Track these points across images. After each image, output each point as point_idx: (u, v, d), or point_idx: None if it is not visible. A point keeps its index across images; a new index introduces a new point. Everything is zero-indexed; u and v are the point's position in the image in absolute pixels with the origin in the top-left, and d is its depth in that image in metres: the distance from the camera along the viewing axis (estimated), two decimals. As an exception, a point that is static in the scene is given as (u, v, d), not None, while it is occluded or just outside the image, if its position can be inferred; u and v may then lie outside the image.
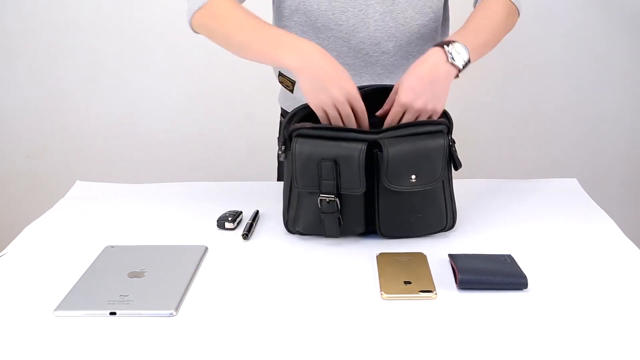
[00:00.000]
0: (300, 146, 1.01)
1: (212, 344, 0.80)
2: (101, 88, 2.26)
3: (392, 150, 0.99)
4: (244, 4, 1.23)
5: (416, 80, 1.03)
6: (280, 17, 1.26)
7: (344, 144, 1.00)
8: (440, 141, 1.01)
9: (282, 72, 1.32)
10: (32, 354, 0.78)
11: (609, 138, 2.31)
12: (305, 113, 1.07)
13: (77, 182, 1.37)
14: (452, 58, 1.04)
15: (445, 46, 1.05)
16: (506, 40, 2.04)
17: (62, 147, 2.33)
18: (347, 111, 1.01)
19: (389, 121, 1.05)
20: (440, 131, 1.03)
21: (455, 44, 1.05)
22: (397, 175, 1.00)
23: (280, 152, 1.07)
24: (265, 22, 1.09)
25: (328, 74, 1.00)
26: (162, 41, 2.20)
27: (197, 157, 2.33)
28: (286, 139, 1.05)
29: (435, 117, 1.05)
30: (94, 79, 2.25)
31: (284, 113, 1.41)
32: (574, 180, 1.35)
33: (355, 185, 1.00)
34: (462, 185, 1.21)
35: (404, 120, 1.04)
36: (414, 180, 1.00)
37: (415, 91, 1.02)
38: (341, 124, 1.02)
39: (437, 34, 1.29)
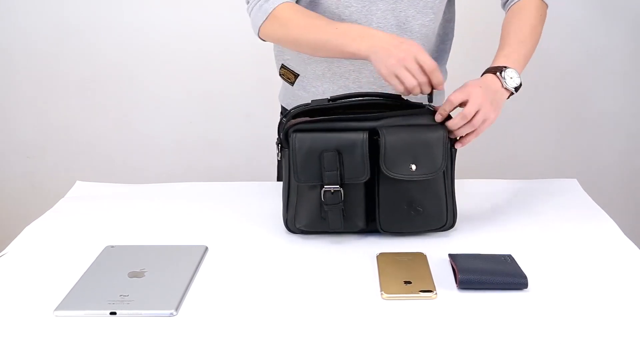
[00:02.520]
0: (300, 141, 1.02)
1: (212, 344, 0.80)
2: (101, 88, 2.26)
3: (390, 137, 1.01)
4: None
5: (481, 95, 1.07)
6: None
7: (344, 135, 1.02)
8: (440, 132, 1.04)
9: (284, 64, 1.32)
10: (32, 354, 0.78)
11: (608, 138, 2.31)
12: (303, 111, 1.08)
13: (77, 182, 1.37)
14: (506, 83, 1.11)
15: (498, 73, 1.11)
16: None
17: (62, 147, 2.33)
18: (414, 67, 1.05)
19: (452, 127, 1.07)
20: (441, 123, 1.04)
21: (508, 70, 1.12)
22: (395, 163, 1.01)
23: (277, 151, 1.08)
24: (329, 20, 1.17)
25: (392, 44, 1.06)
26: (162, 41, 2.20)
27: (197, 157, 2.33)
28: (282, 139, 1.06)
29: (486, 125, 1.07)
30: (94, 79, 2.25)
31: (283, 111, 1.41)
32: (574, 181, 1.35)
33: (360, 173, 1.02)
34: (462, 185, 1.21)
35: (465, 130, 1.06)
36: (413, 170, 1.02)
37: (485, 96, 1.07)
38: (416, 87, 1.05)
39: (436, 33, 1.29)
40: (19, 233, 1.13)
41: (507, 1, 1.28)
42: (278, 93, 1.43)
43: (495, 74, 1.12)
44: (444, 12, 1.29)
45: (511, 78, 1.11)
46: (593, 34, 2.18)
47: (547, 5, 1.26)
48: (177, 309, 0.87)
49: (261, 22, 1.18)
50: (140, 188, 1.34)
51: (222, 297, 0.91)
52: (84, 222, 1.18)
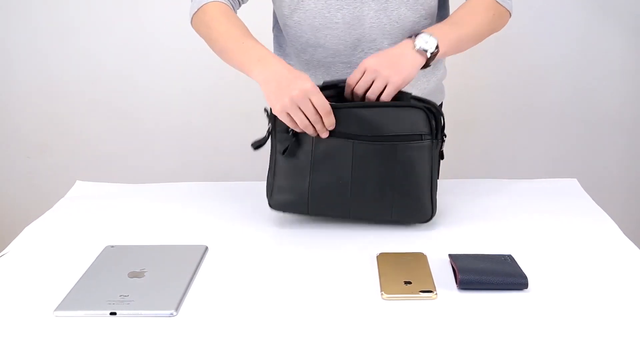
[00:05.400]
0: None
1: (212, 344, 0.80)
2: (101, 88, 2.26)
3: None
4: (247, 4, 1.28)
5: (379, 55, 1.09)
6: (282, 16, 1.27)
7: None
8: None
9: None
10: (32, 354, 0.78)
11: (609, 138, 2.31)
12: None
13: (77, 182, 1.38)
14: (420, 47, 1.10)
15: (413, 36, 1.12)
16: (506, 40, 2.04)
17: (62, 147, 2.33)
18: (308, 108, 1.03)
19: (350, 83, 1.09)
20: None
21: (423, 34, 1.11)
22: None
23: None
24: (245, 32, 1.14)
25: (285, 78, 1.04)
26: (161, 41, 2.20)
27: (197, 157, 2.33)
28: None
29: (390, 90, 1.07)
30: (94, 79, 2.25)
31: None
32: (574, 180, 1.35)
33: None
34: (462, 185, 1.22)
35: (372, 88, 1.07)
36: None
37: (377, 59, 1.08)
38: (309, 127, 1.05)
39: None
40: (19, 233, 1.13)
41: None
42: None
43: (411, 37, 1.12)
44: (439, 10, 1.29)
45: (426, 42, 1.11)
46: (593, 34, 2.19)
47: (509, 12, 1.23)
48: (177, 309, 0.87)
49: (193, 12, 1.21)
50: (140, 188, 1.34)
51: (222, 297, 0.91)
52: (84, 222, 1.18)
